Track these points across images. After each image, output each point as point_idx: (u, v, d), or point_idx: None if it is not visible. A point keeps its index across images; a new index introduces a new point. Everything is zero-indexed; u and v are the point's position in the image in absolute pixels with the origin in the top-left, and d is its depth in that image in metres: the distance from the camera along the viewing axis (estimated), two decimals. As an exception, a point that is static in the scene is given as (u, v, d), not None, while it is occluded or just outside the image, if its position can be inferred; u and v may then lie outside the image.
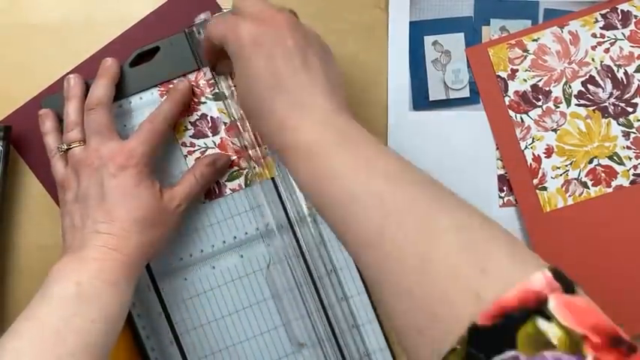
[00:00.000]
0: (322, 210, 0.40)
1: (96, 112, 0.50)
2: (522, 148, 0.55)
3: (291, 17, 0.44)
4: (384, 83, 0.57)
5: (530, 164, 0.55)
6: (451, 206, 0.37)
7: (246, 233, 0.54)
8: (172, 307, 0.54)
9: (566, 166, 0.55)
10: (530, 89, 0.55)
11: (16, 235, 0.56)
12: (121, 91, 0.54)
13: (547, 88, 0.55)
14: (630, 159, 0.54)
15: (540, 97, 0.55)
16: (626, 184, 0.54)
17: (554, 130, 0.55)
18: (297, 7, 0.56)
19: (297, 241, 0.54)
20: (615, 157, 0.54)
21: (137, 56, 0.55)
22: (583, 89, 0.55)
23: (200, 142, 0.54)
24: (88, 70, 0.56)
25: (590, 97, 0.55)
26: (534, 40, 0.56)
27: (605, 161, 0.54)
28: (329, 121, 0.41)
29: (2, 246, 0.56)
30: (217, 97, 0.54)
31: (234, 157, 0.54)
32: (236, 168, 0.55)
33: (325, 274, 0.54)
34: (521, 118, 0.55)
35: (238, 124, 0.54)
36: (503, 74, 0.56)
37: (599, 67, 0.55)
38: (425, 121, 0.57)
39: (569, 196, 0.54)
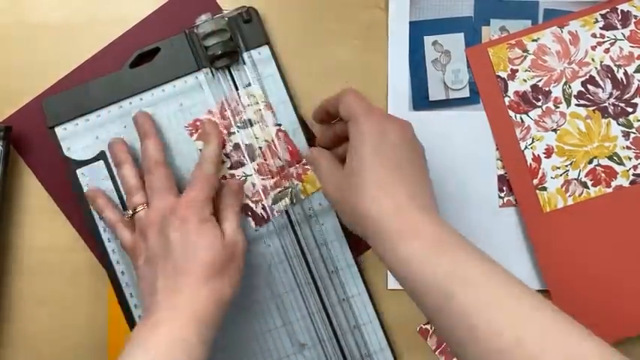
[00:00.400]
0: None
1: (157, 172, 0.50)
2: (522, 148, 0.55)
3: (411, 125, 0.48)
4: (384, 83, 0.57)
5: (530, 164, 0.55)
6: (589, 335, 0.38)
7: (247, 234, 0.54)
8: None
9: (566, 166, 0.55)
10: (530, 89, 0.56)
11: (16, 235, 0.56)
12: (121, 92, 0.54)
13: (547, 89, 0.55)
14: (630, 159, 0.54)
15: (540, 97, 0.55)
16: (626, 184, 0.54)
17: (554, 130, 0.55)
18: (297, 7, 0.57)
19: (299, 241, 0.54)
20: (615, 157, 0.54)
21: (137, 57, 0.55)
22: (583, 89, 0.55)
23: (239, 171, 0.54)
24: (89, 70, 0.56)
25: (590, 97, 0.55)
26: (534, 41, 0.56)
27: (605, 161, 0.55)
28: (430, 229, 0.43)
29: (2, 246, 0.56)
30: (246, 124, 0.54)
31: (275, 179, 0.54)
32: (279, 189, 0.54)
33: (326, 274, 0.54)
34: (521, 119, 0.55)
35: (272, 145, 0.54)
36: (503, 74, 0.56)
37: (598, 67, 0.55)
38: (425, 121, 0.56)
39: (569, 196, 0.55)
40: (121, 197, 0.54)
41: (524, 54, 0.56)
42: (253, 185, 0.54)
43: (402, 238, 0.42)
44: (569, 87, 0.55)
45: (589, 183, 0.55)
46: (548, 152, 0.55)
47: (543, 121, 0.55)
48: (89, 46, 0.56)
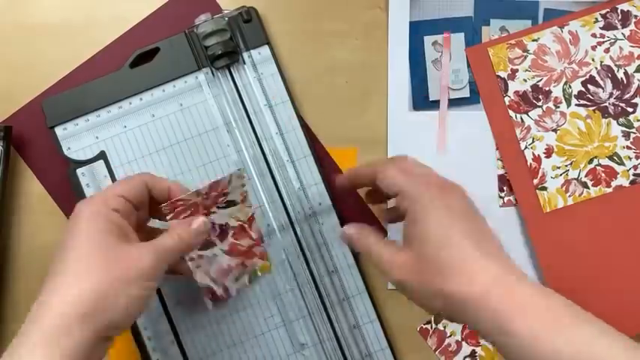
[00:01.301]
0: None
1: None
2: (522, 148, 0.55)
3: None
4: (384, 83, 0.57)
5: (530, 164, 0.55)
6: None
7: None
8: (173, 307, 0.54)
9: (566, 166, 0.55)
10: (530, 89, 0.55)
11: (16, 235, 0.56)
12: (121, 92, 0.54)
13: (547, 88, 0.55)
14: (630, 159, 0.54)
15: (540, 97, 0.55)
16: (626, 184, 0.54)
17: (555, 130, 0.55)
18: (297, 7, 0.57)
19: (299, 241, 0.54)
20: (615, 157, 0.54)
21: (137, 57, 0.55)
22: (583, 89, 0.55)
23: (208, 252, 0.50)
24: (89, 70, 0.56)
25: (591, 97, 0.55)
26: (534, 40, 0.56)
27: (605, 161, 0.54)
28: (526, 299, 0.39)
29: (2, 246, 0.56)
30: (229, 204, 0.50)
31: (240, 259, 0.52)
32: (241, 270, 0.53)
33: (326, 274, 0.54)
34: (522, 118, 0.55)
35: (245, 226, 0.52)
36: (503, 74, 0.56)
37: (599, 67, 0.55)
38: (425, 121, 0.57)
39: (569, 196, 0.54)
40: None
41: (525, 54, 0.56)
42: (219, 266, 0.52)
43: (511, 316, 0.37)
44: (570, 87, 0.55)
45: (589, 183, 0.54)
46: (549, 152, 0.55)
47: (544, 121, 0.55)
48: (89, 46, 0.56)
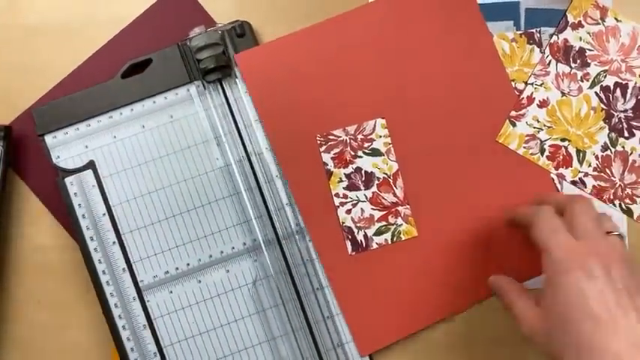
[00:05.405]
0: None
1: None
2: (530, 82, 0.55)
3: (621, 245, 0.43)
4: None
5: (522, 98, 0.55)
6: None
7: (233, 248, 0.54)
8: (157, 319, 0.54)
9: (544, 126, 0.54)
10: (577, 49, 0.56)
11: (16, 235, 0.57)
12: (112, 102, 0.54)
13: (589, 61, 0.55)
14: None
15: (578, 61, 0.55)
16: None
17: (563, 94, 0.55)
18: (297, 7, 0.57)
19: (285, 257, 0.54)
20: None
21: (130, 67, 0.55)
22: (611, 87, 0.55)
23: (352, 194, 0.54)
24: (79, 80, 0.56)
25: (610, 97, 0.55)
26: (616, 19, 0.55)
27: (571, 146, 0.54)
28: None
29: (2, 246, 0.56)
30: (374, 152, 0.54)
31: (383, 212, 0.54)
32: (384, 223, 0.54)
33: (311, 291, 0.54)
34: (549, 62, 0.56)
35: (390, 180, 0.54)
36: (572, 19, 0.56)
37: (638, 84, 0.55)
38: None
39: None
40: (108, 207, 0.54)
41: (600, 22, 0.55)
42: (362, 211, 0.54)
43: None
44: (605, 77, 0.55)
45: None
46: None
47: (561, 79, 0.55)
48: (88, 46, 0.57)
